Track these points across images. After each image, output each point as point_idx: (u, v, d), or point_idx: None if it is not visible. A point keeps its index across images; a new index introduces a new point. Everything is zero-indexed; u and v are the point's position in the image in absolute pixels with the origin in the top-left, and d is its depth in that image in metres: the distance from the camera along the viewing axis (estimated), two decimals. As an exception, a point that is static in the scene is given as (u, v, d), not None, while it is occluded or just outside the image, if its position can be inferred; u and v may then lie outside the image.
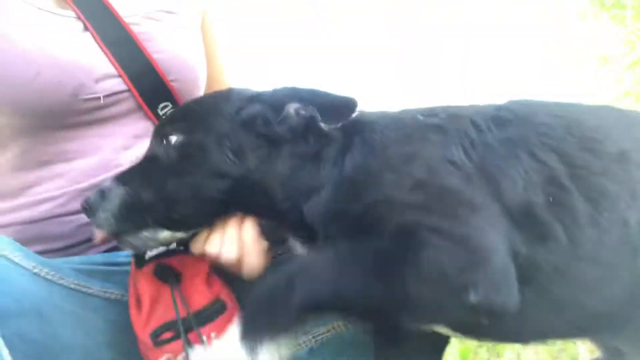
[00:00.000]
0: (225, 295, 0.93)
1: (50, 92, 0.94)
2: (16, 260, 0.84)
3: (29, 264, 0.86)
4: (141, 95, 1.01)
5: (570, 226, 0.77)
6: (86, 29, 0.93)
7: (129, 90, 0.98)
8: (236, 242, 0.79)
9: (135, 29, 1.00)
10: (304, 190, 0.82)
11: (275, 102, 0.83)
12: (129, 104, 1.02)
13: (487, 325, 0.72)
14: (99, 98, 0.94)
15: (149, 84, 0.97)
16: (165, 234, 0.86)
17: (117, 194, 0.81)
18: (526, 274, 0.73)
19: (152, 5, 1.07)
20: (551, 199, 0.78)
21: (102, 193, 0.82)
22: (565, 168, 0.80)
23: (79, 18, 0.95)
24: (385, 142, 0.83)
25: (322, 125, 0.80)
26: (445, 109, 0.89)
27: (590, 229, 0.77)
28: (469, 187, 0.77)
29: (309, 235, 0.85)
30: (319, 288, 0.71)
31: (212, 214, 0.82)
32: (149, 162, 0.86)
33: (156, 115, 1.03)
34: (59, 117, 0.96)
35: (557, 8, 7.14)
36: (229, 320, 0.88)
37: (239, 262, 0.80)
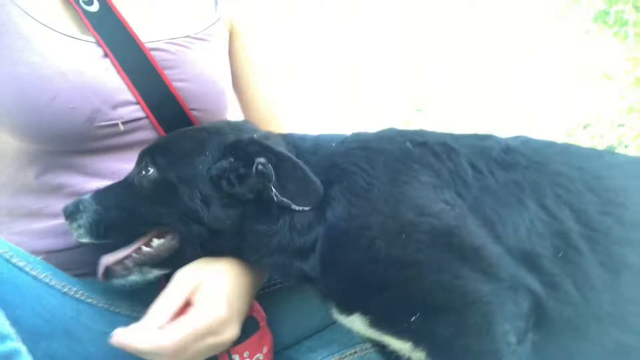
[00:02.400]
0: (257, 313, 0.94)
1: (65, 117, 0.90)
2: (46, 280, 0.86)
3: (58, 283, 0.88)
4: (160, 122, 0.98)
5: (583, 286, 0.72)
6: (106, 54, 0.92)
7: (147, 117, 0.96)
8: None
9: (158, 55, 0.97)
10: (295, 251, 0.81)
11: (249, 154, 0.82)
12: (147, 131, 0.98)
13: None
14: (116, 124, 0.93)
15: (168, 112, 0.95)
16: (153, 274, 0.88)
17: (90, 210, 0.86)
18: (538, 319, 0.71)
19: (179, 31, 1.05)
20: (560, 254, 0.73)
21: (78, 205, 0.87)
22: (580, 227, 0.75)
23: (99, 43, 0.92)
24: (370, 184, 0.79)
25: (280, 198, 0.79)
26: (438, 139, 0.83)
27: (607, 294, 0.73)
28: (465, 224, 0.73)
29: (299, 279, 0.87)
30: None
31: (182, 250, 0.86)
32: (126, 185, 0.88)
33: None
34: (75, 142, 0.94)
35: (561, 25, 7.18)
36: (261, 339, 0.89)
37: None
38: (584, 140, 7.73)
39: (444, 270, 0.72)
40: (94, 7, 0.94)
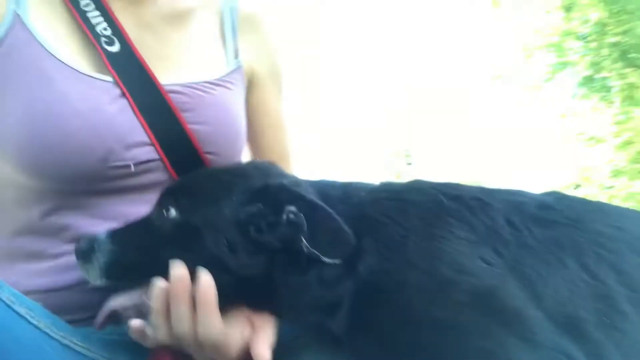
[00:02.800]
0: None
1: (78, 156, 0.87)
2: (46, 330, 0.81)
3: (58, 333, 0.83)
4: (173, 165, 0.95)
5: (632, 354, 0.67)
6: (123, 94, 0.93)
7: (160, 159, 0.94)
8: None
9: (175, 97, 0.96)
10: (323, 307, 0.76)
11: (279, 201, 0.78)
12: (159, 173, 0.95)
13: None
14: (128, 166, 0.91)
15: (182, 155, 0.95)
16: None
17: (106, 250, 0.81)
18: None
19: (199, 76, 1.05)
20: (606, 319, 0.68)
21: (92, 245, 0.82)
22: (624, 290, 0.70)
23: (117, 83, 0.93)
24: (404, 236, 0.75)
25: (310, 249, 0.76)
26: (471, 193, 0.80)
27: None
28: (506, 284, 0.68)
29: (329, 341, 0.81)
30: None
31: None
32: (146, 225, 0.85)
33: None
34: (85, 183, 0.90)
35: (550, 88, 7.41)
36: None
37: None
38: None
39: (487, 336, 0.66)
40: (115, 48, 0.96)
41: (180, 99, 0.96)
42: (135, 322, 0.78)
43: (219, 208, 0.81)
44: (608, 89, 6.92)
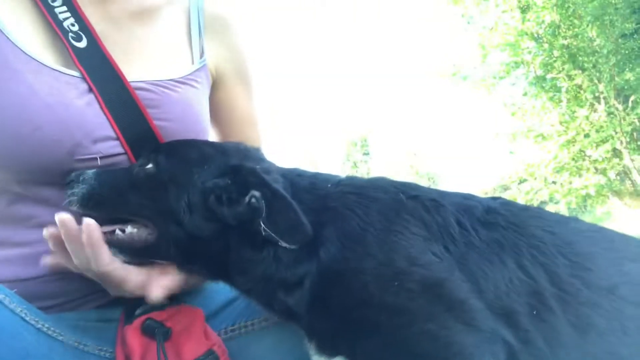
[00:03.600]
0: (218, 347, 0.91)
1: (46, 149, 0.87)
2: (22, 314, 0.83)
3: (32, 319, 0.84)
4: (137, 159, 1.00)
5: (554, 343, 0.77)
6: (90, 89, 0.94)
7: (125, 153, 0.96)
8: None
9: (141, 94, 0.98)
10: (279, 283, 0.82)
11: (246, 183, 0.84)
12: (124, 166, 1.01)
13: None
14: (95, 159, 0.92)
15: (147, 149, 0.96)
16: (120, 259, 0.88)
17: (88, 183, 0.89)
18: None
19: (165, 74, 1.05)
20: (535, 312, 0.77)
21: (79, 177, 0.90)
22: (552, 288, 0.79)
23: (84, 78, 0.95)
24: (364, 229, 0.82)
25: (268, 232, 0.82)
26: (428, 194, 0.89)
27: (574, 351, 0.78)
28: (453, 277, 0.77)
29: (283, 312, 0.88)
30: None
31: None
32: (126, 173, 0.94)
33: None
34: (51, 175, 0.90)
35: (502, 85, 7.65)
36: None
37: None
38: (519, 194, 8.18)
39: (433, 320, 0.74)
40: (82, 43, 0.97)
41: (147, 95, 0.97)
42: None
43: (190, 171, 0.87)
44: (558, 89, 7.25)
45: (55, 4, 0.96)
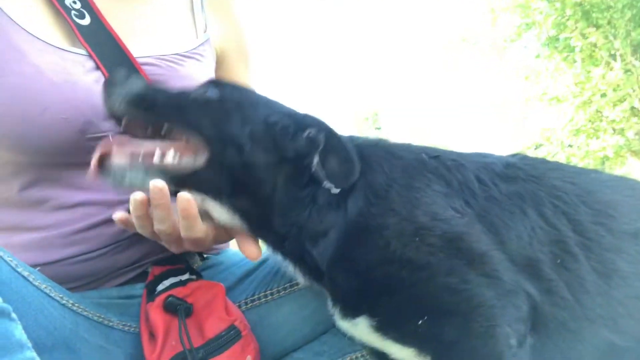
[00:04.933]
0: (240, 322, 0.93)
1: (57, 129, 0.88)
2: (46, 291, 0.84)
3: (57, 294, 0.86)
4: None
5: (578, 290, 0.77)
6: (97, 67, 0.94)
7: None
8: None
9: (148, 69, 0.99)
10: (308, 230, 0.83)
11: (306, 122, 0.87)
12: None
13: None
14: (106, 136, 0.90)
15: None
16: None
17: (141, 84, 0.86)
18: (534, 323, 0.76)
19: (170, 48, 1.05)
20: (558, 260, 0.77)
21: (129, 76, 0.86)
22: (575, 236, 0.79)
23: (90, 56, 0.94)
24: (389, 185, 0.84)
25: (317, 168, 0.82)
26: (450, 155, 0.90)
27: (599, 298, 0.78)
28: (473, 230, 0.78)
29: (311, 270, 0.89)
30: None
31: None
32: (182, 92, 0.89)
33: None
34: (64, 155, 0.90)
35: (514, 48, 7.48)
36: (244, 349, 0.89)
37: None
38: (536, 159, 8.07)
39: (453, 274, 0.75)
40: (86, 21, 0.96)
41: (154, 70, 0.96)
42: (118, 214, 0.82)
43: (256, 105, 0.89)
44: (571, 49, 7.05)
45: None
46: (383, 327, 0.78)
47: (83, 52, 0.92)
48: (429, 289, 0.75)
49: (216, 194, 0.83)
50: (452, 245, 0.76)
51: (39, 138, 0.87)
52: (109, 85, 0.85)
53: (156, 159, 0.80)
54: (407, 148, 0.91)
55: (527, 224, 0.79)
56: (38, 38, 0.90)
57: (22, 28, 0.89)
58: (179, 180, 0.81)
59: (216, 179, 0.83)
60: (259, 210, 0.85)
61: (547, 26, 6.97)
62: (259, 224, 0.86)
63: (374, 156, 0.87)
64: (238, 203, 0.84)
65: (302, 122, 0.85)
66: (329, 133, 0.85)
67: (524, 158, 0.90)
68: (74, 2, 0.96)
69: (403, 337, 0.77)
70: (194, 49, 1.05)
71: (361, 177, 0.83)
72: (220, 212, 0.83)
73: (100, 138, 0.86)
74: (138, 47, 0.97)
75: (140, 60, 0.95)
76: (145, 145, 0.81)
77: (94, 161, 0.80)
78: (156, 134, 0.84)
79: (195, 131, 0.84)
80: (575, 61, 7.07)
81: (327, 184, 0.82)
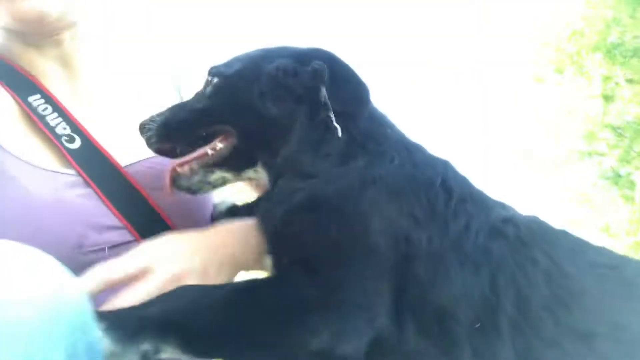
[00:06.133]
0: None
1: (52, 247, 0.89)
2: None
3: None
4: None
5: (484, 358, 0.71)
6: (87, 184, 0.97)
7: (135, 240, 0.97)
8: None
9: (141, 179, 1.02)
10: (302, 170, 0.84)
11: (309, 56, 0.87)
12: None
13: None
14: (103, 249, 0.94)
15: (158, 232, 0.94)
16: (216, 174, 0.95)
17: (160, 118, 0.95)
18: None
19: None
20: (477, 325, 0.71)
21: (153, 118, 0.96)
22: (514, 312, 0.72)
23: (79, 174, 0.97)
24: (376, 183, 0.80)
25: (326, 100, 0.82)
26: (464, 193, 0.84)
27: None
28: (393, 253, 0.74)
29: None
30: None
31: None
32: (190, 100, 0.98)
33: None
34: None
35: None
36: None
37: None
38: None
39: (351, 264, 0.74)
40: (76, 144, 1.00)
41: (147, 179, 0.99)
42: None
43: (258, 65, 0.90)
44: (632, 186, 6.88)
45: (45, 112, 0.99)
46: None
47: (73, 172, 0.95)
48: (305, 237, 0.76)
49: (255, 159, 0.90)
50: (370, 252, 0.74)
51: None
52: (142, 134, 0.95)
53: (209, 156, 0.90)
54: (433, 165, 0.86)
55: (471, 282, 0.74)
56: (29, 164, 0.94)
57: (14, 156, 0.93)
58: (226, 162, 0.91)
59: (251, 147, 0.89)
60: (292, 155, 0.85)
61: (612, 158, 6.85)
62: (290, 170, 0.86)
63: (395, 149, 0.84)
64: (273, 161, 0.87)
65: (304, 57, 0.87)
66: (332, 61, 0.86)
67: (534, 221, 0.84)
68: (64, 129, 0.99)
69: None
70: None
71: (366, 155, 0.82)
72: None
73: (97, 251, 0.90)
74: (128, 153, 1.00)
75: (131, 169, 1.00)
76: (193, 155, 0.92)
77: (167, 182, 0.93)
78: (194, 144, 0.93)
79: (219, 119, 0.91)
80: (634, 199, 6.89)
81: (332, 118, 0.81)
